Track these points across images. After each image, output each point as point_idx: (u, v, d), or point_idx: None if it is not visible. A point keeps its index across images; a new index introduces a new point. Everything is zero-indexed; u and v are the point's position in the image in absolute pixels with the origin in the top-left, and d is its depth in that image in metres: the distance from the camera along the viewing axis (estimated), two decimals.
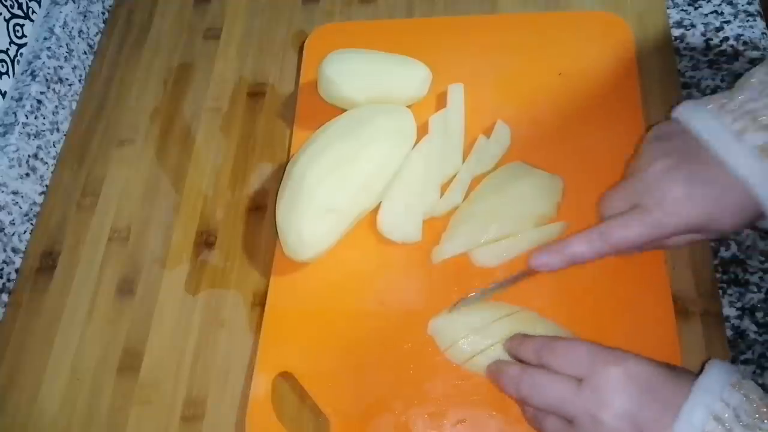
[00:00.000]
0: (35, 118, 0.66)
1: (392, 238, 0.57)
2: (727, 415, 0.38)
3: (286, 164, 0.59)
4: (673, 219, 0.45)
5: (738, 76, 0.61)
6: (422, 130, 0.62)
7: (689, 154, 0.46)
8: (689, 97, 0.62)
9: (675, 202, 0.45)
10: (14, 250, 0.63)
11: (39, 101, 0.67)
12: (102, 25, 0.78)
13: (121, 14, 0.79)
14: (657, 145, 0.49)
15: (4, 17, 0.67)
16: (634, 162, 0.51)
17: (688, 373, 0.43)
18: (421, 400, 0.51)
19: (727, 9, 0.66)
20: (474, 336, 0.51)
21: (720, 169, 0.44)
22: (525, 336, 0.49)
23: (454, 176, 0.59)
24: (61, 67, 0.70)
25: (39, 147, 0.66)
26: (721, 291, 0.53)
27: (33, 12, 0.71)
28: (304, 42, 0.70)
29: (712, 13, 0.66)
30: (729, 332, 0.52)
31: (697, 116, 0.47)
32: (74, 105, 0.72)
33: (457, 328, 0.52)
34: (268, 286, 0.58)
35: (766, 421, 0.37)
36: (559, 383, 0.43)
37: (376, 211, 0.59)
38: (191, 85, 0.72)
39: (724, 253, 0.55)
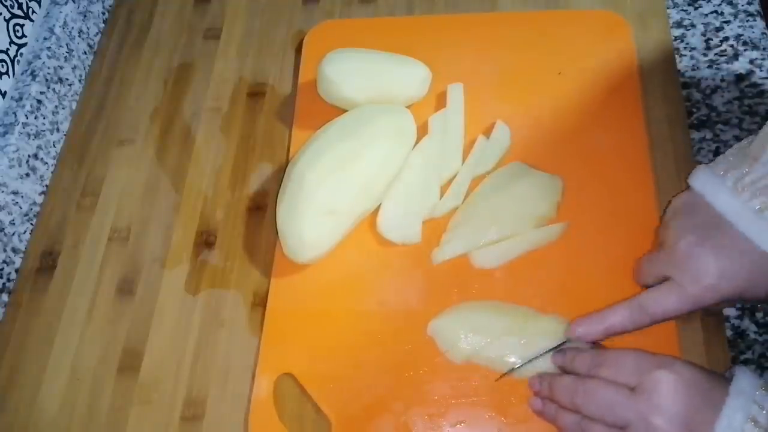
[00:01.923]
0: (35, 118, 0.66)
1: (392, 240, 0.57)
2: (761, 416, 0.40)
3: (286, 164, 0.59)
4: (709, 294, 0.46)
5: (738, 76, 0.62)
6: (422, 130, 0.62)
7: (715, 228, 0.46)
8: (689, 97, 0.62)
9: (708, 278, 0.45)
10: (14, 250, 0.63)
11: (39, 101, 0.67)
12: (102, 25, 0.78)
13: (121, 14, 0.79)
14: (682, 221, 0.49)
15: (4, 17, 0.67)
16: (661, 233, 0.51)
17: (719, 374, 0.45)
18: (421, 401, 0.51)
19: (727, 9, 0.66)
20: (474, 335, 0.51)
21: (747, 243, 0.45)
22: (577, 350, 0.49)
23: (454, 177, 0.59)
24: (61, 67, 0.70)
25: (39, 147, 0.66)
26: None
27: (33, 12, 0.71)
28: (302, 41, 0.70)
29: (712, 13, 0.66)
30: (729, 332, 0.52)
31: (716, 193, 0.47)
32: (74, 105, 0.72)
33: (456, 328, 0.52)
34: (268, 286, 0.58)
35: None
36: (612, 390, 0.44)
37: (376, 212, 0.59)
38: (191, 85, 0.72)
39: None
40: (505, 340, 0.51)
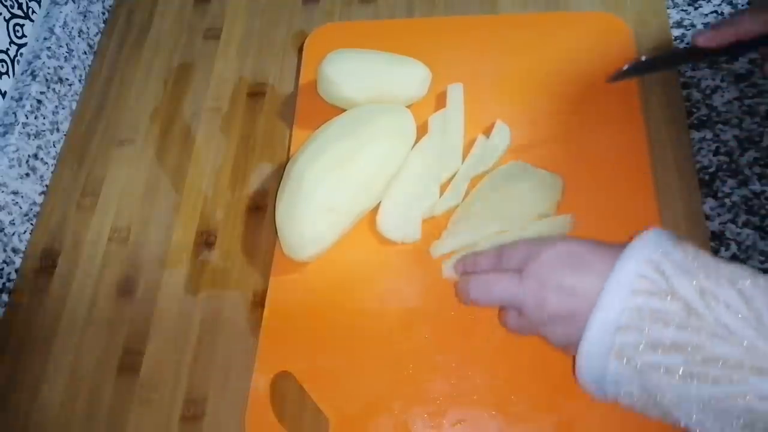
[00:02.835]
0: (35, 118, 0.66)
1: (392, 238, 0.57)
2: (661, 260, 0.38)
3: (286, 164, 0.59)
4: None
5: (738, 76, 0.62)
6: (422, 130, 0.62)
7: None
8: (689, 97, 0.62)
9: None
10: (14, 250, 0.63)
11: (39, 101, 0.67)
12: (102, 25, 0.78)
13: (121, 14, 0.79)
14: None
15: (4, 17, 0.67)
16: None
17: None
18: (420, 400, 0.51)
19: (727, 9, 0.66)
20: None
21: None
22: (476, 254, 0.51)
23: (454, 176, 0.60)
24: (61, 67, 0.70)
25: (39, 147, 0.67)
26: None
27: (33, 12, 0.71)
28: (304, 42, 0.70)
29: (712, 13, 0.66)
30: None
31: None
32: (74, 105, 0.72)
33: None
34: (268, 285, 0.58)
35: (701, 264, 0.37)
36: (503, 278, 0.46)
37: (375, 210, 0.59)
38: (191, 85, 0.72)
39: (724, 253, 0.55)
40: None
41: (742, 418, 0.34)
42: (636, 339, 0.37)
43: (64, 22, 0.71)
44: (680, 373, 0.36)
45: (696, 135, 0.60)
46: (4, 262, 0.62)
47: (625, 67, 0.55)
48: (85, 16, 0.75)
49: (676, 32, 0.66)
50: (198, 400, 0.55)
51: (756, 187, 0.57)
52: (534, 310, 0.43)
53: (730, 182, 0.57)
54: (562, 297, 0.41)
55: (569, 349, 0.42)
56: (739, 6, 0.66)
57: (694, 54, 0.52)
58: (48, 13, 0.72)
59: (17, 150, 0.64)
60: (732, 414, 0.35)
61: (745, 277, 0.36)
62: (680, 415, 0.37)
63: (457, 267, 0.53)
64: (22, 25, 0.69)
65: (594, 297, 0.39)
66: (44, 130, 0.67)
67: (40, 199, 0.67)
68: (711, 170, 0.58)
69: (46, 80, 0.68)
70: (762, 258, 0.54)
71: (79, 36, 0.74)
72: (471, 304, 0.49)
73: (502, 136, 0.61)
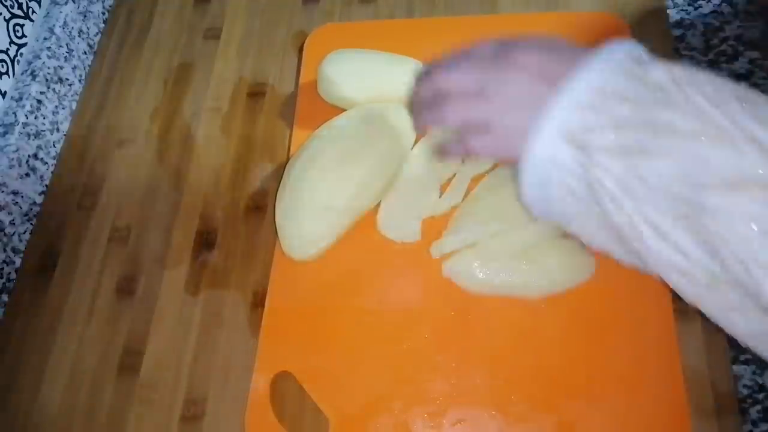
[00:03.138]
0: (35, 118, 0.66)
1: (392, 238, 0.57)
2: (643, 54, 0.37)
3: (286, 164, 0.60)
4: None
5: (738, 76, 0.62)
6: None
7: None
8: None
9: None
10: (14, 250, 0.63)
11: (39, 101, 0.67)
12: (102, 25, 0.78)
13: (121, 14, 0.79)
14: None
15: (4, 17, 0.67)
16: None
17: None
18: (420, 400, 0.51)
19: (727, 9, 0.66)
20: (488, 264, 0.54)
21: None
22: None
23: (454, 176, 0.59)
24: (61, 67, 0.70)
25: (39, 147, 0.67)
26: None
27: (33, 12, 0.71)
28: (304, 42, 0.70)
29: (712, 13, 0.66)
30: None
31: None
32: (74, 105, 0.72)
33: (470, 261, 0.55)
34: (268, 285, 0.58)
35: (684, 67, 0.35)
36: (470, 60, 0.41)
37: (375, 210, 0.59)
38: (191, 85, 0.72)
39: None
40: (516, 263, 0.53)
41: (687, 202, 0.32)
42: (594, 120, 0.35)
43: (64, 22, 0.71)
44: (630, 150, 0.34)
45: None
46: (4, 262, 0.62)
47: None
48: (85, 16, 0.75)
49: (676, 32, 0.66)
50: (198, 400, 0.55)
51: None
52: (497, 88, 0.39)
53: None
54: (531, 77, 0.38)
55: (516, 148, 0.38)
56: (739, 6, 0.66)
57: None
58: (48, 13, 0.72)
59: (17, 150, 0.64)
60: (679, 196, 0.32)
61: (729, 85, 0.34)
62: (613, 209, 0.34)
63: (416, 80, 0.47)
64: (22, 25, 0.69)
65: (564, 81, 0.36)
66: (44, 130, 0.67)
67: (40, 199, 0.67)
68: None
69: (46, 80, 0.68)
70: None
71: (79, 36, 0.74)
72: (435, 89, 0.44)
73: None
